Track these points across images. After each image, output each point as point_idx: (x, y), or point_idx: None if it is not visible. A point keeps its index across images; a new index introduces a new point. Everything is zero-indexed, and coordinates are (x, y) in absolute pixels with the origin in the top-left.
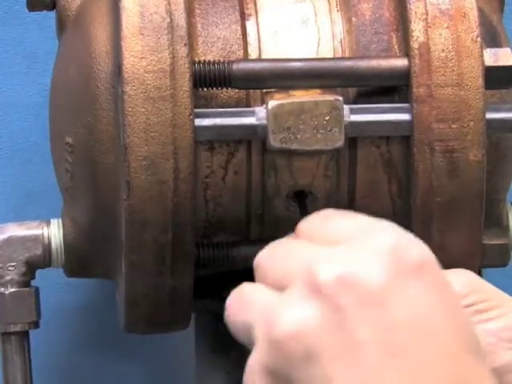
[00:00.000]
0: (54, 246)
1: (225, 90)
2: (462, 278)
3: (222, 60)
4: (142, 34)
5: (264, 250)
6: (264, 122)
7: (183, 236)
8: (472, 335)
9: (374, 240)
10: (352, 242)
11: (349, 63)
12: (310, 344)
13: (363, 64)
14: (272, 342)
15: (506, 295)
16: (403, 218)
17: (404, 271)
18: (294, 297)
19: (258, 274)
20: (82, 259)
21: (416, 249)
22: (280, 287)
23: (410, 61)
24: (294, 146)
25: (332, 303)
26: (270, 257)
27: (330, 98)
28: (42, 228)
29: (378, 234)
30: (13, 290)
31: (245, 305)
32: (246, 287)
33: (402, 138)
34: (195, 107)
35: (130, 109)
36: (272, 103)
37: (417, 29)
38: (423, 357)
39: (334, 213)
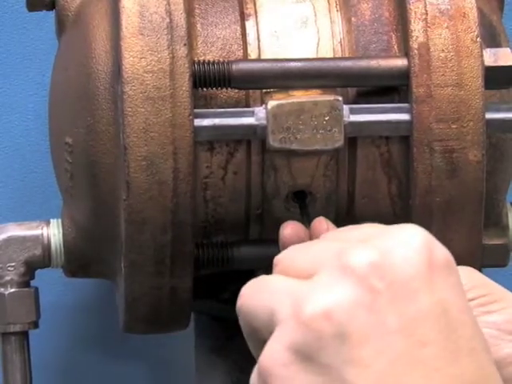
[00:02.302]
0: (53, 246)
1: (224, 90)
2: (463, 274)
3: (221, 60)
4: (141, 34)
5: (285, 250)
6: (263, 122)
7: (183, 236)
8: (483, 335)
9: (406, 233)
10: (384, 235)
11: (348, 63)
12: (341, 323)
13: (363, 64)
14: (302, 320)
15: (506, 290)
16: (403, 217)
17: (434, 267)
18: (324, 280)
19: (278, 269)
20: (81, 259)
21: (443, 249)
22: (305, 277)
23: (409, 61)
24: (294, 146)
25: (366, 284)
26: (293, 253)
27: (329, 98)
28: (42, 228)
29: (409, 229)
30: (12, 290)
31: (265, 289)
32: (265, 276)
33: (402, 138)
34: (195, 107)
35: (130, 109)
36: (271, 103)
37: (416, 29)
38: (447, 350)
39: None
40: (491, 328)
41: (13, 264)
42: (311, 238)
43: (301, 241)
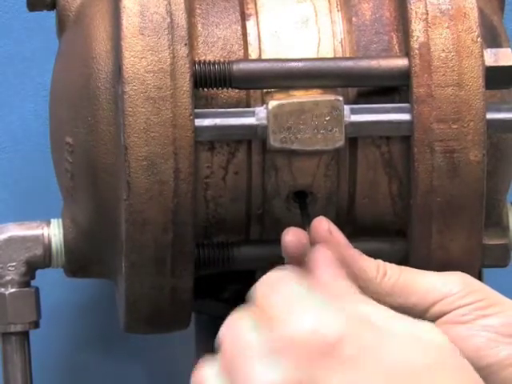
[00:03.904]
0: (54, 246)
1: (225, 90)
2: (459, 280)
3: (222, 60)
4: (142, 34)
5: (227, 323)
6: (264, 122)
7: (183, 236)
8: None
9: (292, 327)
10: (277, 329)
11: (349, 63)
12: None
13: (363, 64)
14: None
15: (502, 296)
16: (403, 218)
17: (316, 358)
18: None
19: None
20: (82, 259)
21: (331, 329)
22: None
23: (410, 61)
24: (295, 146)
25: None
26: (225, 336)
27: (330, 98)
28: (42, 228)
29: (296, 319)
30: (13, 290)
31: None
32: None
33: (403, 138)
34: (195, 107)
35: (130, 109)
36: (272, 103)
37: (417, 29)
38: None
39: (280, 280)
40: (489, 331)
41: (13, 264)
42: (311, 238)
43: (303, 247)
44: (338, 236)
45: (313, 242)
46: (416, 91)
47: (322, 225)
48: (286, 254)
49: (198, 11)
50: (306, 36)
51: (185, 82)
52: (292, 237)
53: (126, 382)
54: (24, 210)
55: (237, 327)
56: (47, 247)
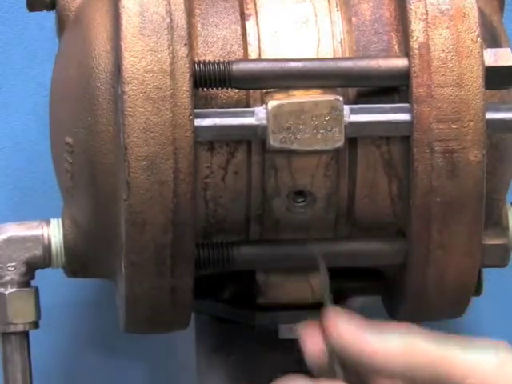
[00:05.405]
0: (53, 246)
1: (225, 90)
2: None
3: (221, 60)
4: (141, 34)
5: None
6: (264, 122)
7: (183, 236)
8: None
9: None
10: None
11: (349, 63)
12: None
13: (363, 64)
14: None
15: None
16: (403, 218)
17: None
18: None
19: None
20: (82, 259)
21: None
22: None
23: (409, 61)
24: (294, 146)
25: None
26: None
27: (330, 98)
28: (42, 228)
29: None
30: (13, 290)
31: None
32: None
33: (402, 138)
34: (195, 107)
35: (130, 109)
36: (272, 103)
37: (417, 29)
38: None
39: None
40: None
41: (13, 264)
42: (324, 338)
43: (323, 352)
44: (348, 333)
45: (326, 343)
46: (416, 91)
47: (334, 330)
48: (309, 362)
49: (198, 11)
50: (306, 36)
51: (184, 82)
52: (311, 345)
53: (126, 382)
54: (24, 210)
55: None
56: (47, 247)
